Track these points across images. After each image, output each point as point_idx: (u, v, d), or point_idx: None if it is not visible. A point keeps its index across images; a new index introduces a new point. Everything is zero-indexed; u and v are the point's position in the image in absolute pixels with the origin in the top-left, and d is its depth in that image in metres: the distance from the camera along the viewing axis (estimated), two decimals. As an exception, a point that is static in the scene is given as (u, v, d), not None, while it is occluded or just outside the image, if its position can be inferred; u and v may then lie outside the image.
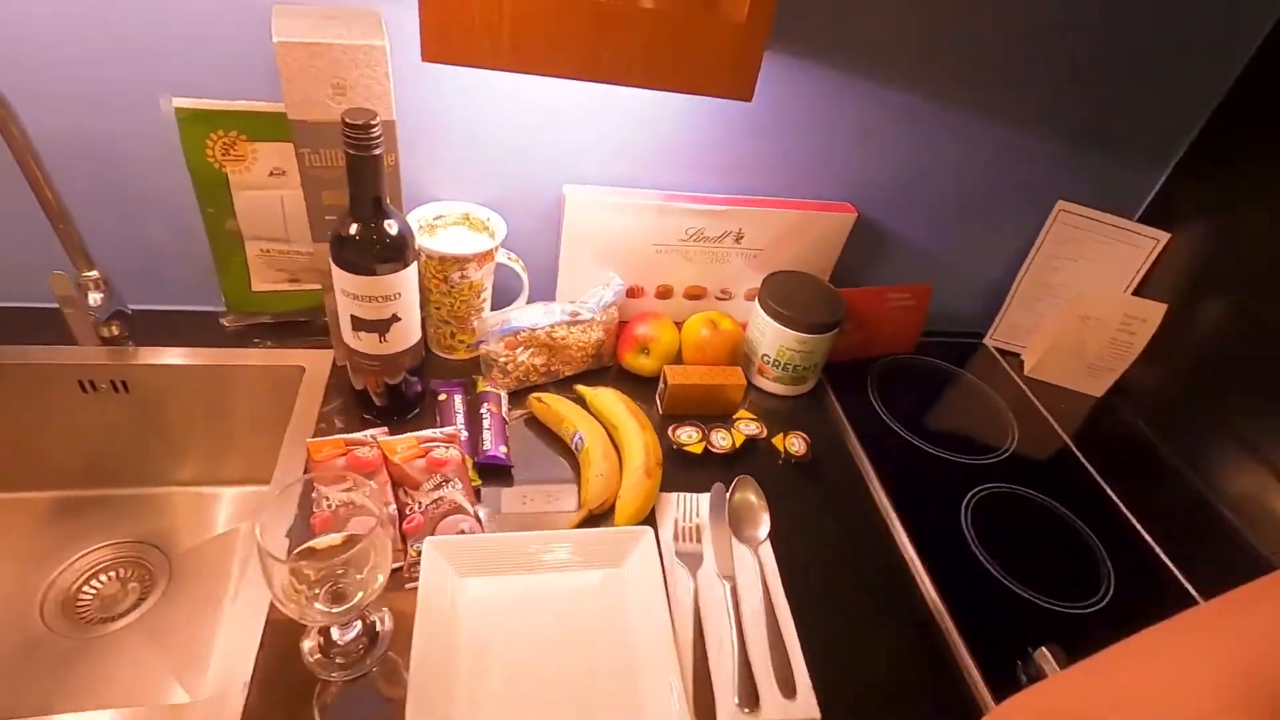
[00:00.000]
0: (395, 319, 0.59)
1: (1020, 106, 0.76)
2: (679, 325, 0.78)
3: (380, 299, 0.57)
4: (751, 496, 0.65)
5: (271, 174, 0.65)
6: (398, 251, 0.56)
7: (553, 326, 0.71)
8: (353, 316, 0.58)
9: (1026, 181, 0.83)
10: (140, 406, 0.70)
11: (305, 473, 0.59)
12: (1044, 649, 0.54)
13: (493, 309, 0.74)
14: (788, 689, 0.51)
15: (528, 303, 0.75)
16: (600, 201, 0.72)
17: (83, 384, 0.68)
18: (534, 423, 0.70)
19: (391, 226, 0.55)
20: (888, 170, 0.79)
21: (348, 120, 0.49)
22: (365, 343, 0.60)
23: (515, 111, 0.67)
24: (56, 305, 0.64)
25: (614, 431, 0.67)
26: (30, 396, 0.68)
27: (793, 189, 0.78)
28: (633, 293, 0.80)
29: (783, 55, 0.68)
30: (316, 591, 0.45)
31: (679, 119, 0.71)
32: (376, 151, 0.51)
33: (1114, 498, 0.74)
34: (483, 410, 0.67)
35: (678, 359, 0.77)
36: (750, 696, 0.51)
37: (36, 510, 0.72)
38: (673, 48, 0.51)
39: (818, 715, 0.50)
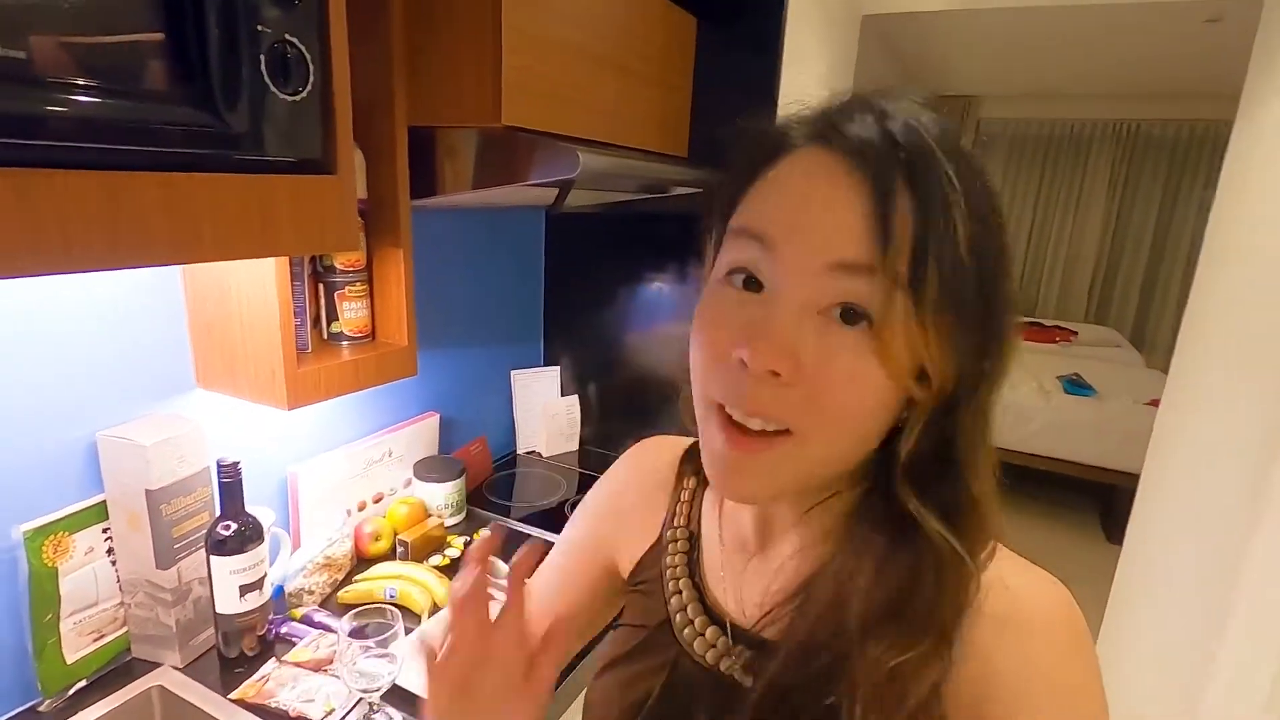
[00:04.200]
0: (262, 577, 0.91)
1: (481, 333, 1.53)
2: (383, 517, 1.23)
3: (256, 565, 0.89)
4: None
5: (86, 553, 0.85)
6: (259, 529, 0.90)
7: (323, 556, 1.08)
8: (240, 586, 0.88)
9: (494, 369, 1.60)
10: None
11: None
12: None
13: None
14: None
15: (291, 553, 1.09)
16: (319, 469, 1.14)
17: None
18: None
19: (250, 518, 0.90)
20: (444, 388, 1.43)
21: (222, 464, 0.86)
22: (250, 601, 0.89)
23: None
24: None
25: (398, 579, 1.10)
26: None
27: (397, 417, 1.34)
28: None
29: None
30: None
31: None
32: (239, 479, 0.87)
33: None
34: (317, 620, 1.00)
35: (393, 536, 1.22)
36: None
37: None
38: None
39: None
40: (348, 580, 1.11)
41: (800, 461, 0.40)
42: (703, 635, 0.50)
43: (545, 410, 1.68)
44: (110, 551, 0.88)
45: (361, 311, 1.03)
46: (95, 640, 0.88)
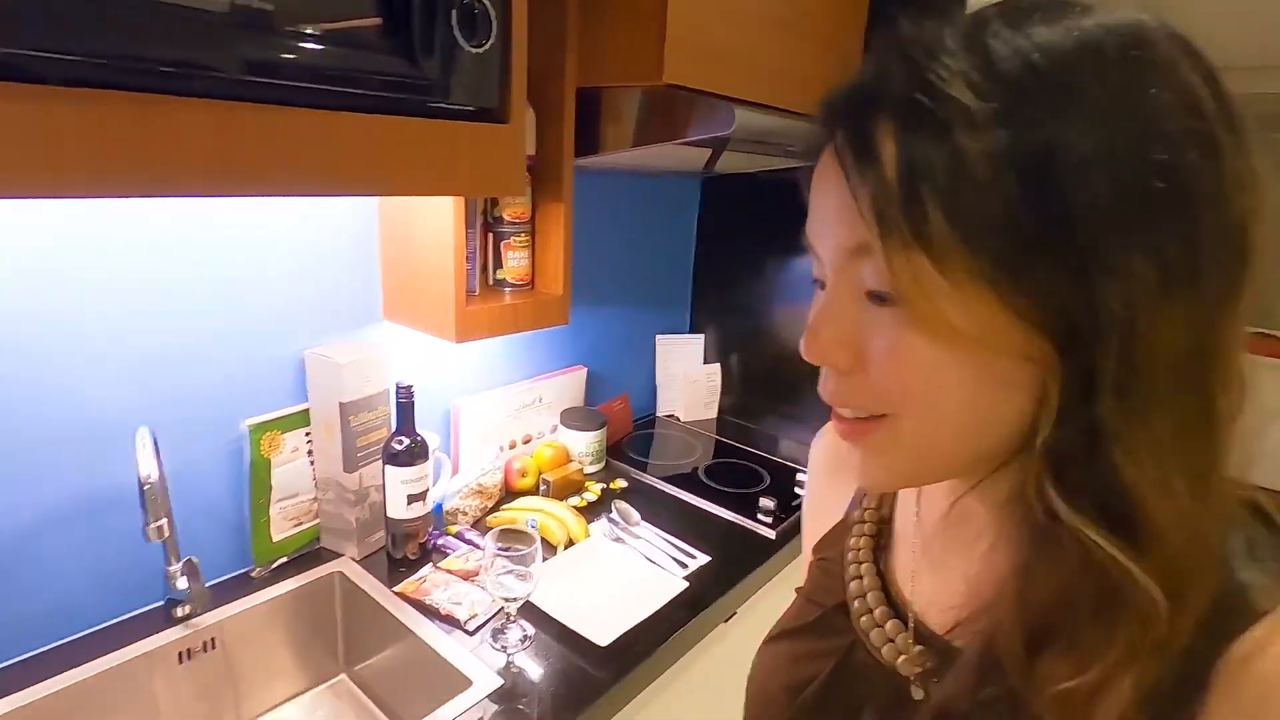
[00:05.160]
0: (425, 490, 1.02)
1: (631, 294, 1.59)
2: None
3: (421, 478, 1.01)
4: (621, 505, 1.24)
5: (292, 451, 1.01)
6: (426, 449, 1.02)
7: (477, 483, 1.19)
8: (408, 495, 1.00)
9: (641, 331, 1.66)
10: (226, 656, 0.92)
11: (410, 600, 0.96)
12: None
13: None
14: (694, 556, 1.11)
15: (450, 476, 1.21)
16: (479, 405, 1.25)
17: (181, 655, 0.88)
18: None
19: (419, 437, 1.01)
20: (592, 344, 1.51)
21: (400, 385, 0.97)
22: (414, 510, 1.01)
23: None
24: (149, 607, 0.86)
25: (539, 512, 1.18)
26: (139, 689, 0.84)
27: (550, 366, 1.43)
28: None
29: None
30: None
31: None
32: (412, 400, 0.99)
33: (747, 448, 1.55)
34: (468, 537, 1.11)
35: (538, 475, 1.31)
36: (684, 564, 1.09)
37: None
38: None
39: (710, 556, 1.11)
40: (496, 508, 1.22)
41: (900, 444, 0.37)
42: (881, 627, 0.46)
43: (686, 376, 1.71)
44: (310, 453, 1.04)
45: (523, 261, 1.11)
46: (295, 526, 1.04)
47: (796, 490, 1.36)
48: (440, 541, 1.10)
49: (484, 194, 0.83)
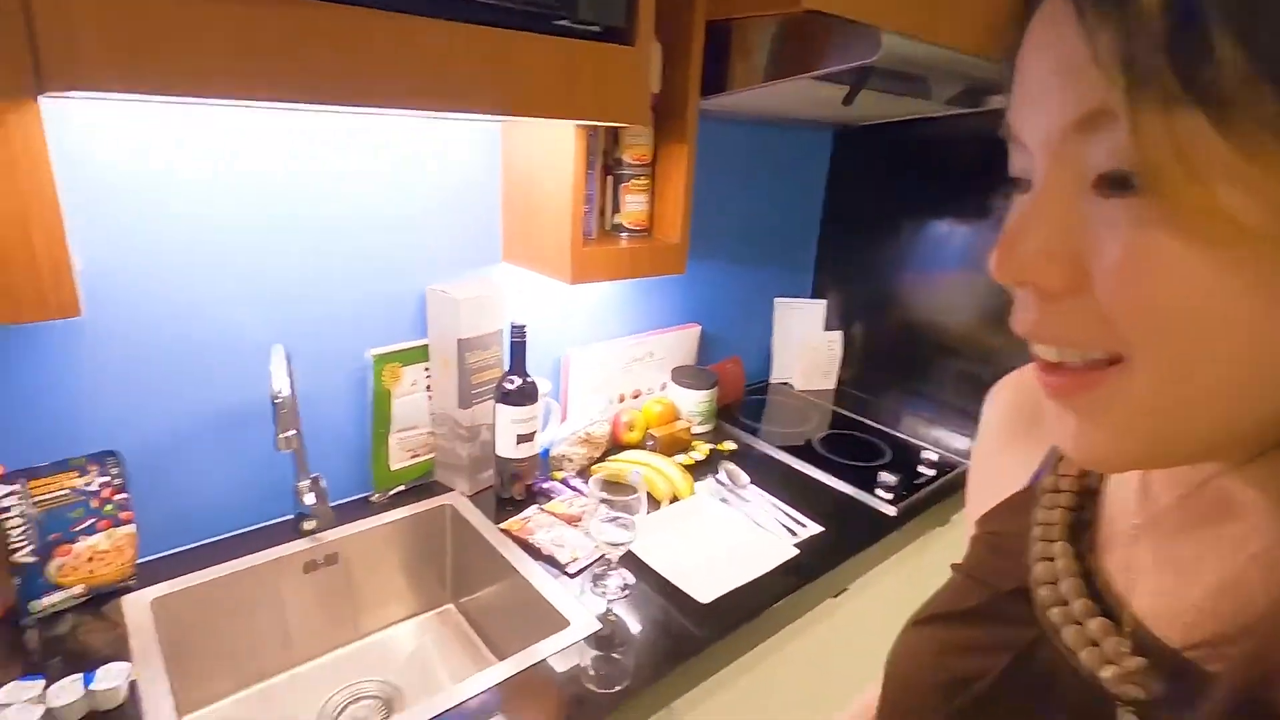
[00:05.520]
0: (534, 431, 1.03)
1: (750, 252, 1.52)
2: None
3: (531, 419, 1.01)
4: (730, 466, 1.19)
5: (411, 384, 1.04)
6: (536, 390, 1.02)
7: (584, 432, 1.18)
8: (517, 435, 1.00)
9: (758, 292, 1.59)
10: (346, 572, 0.97)
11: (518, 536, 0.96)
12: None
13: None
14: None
15: (559, 423, 1.21)
16: (589, 356, 1.25)
17: (306, 565, 0.93)
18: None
19: (529, 379, 1.01)
20: (706, 302, 1.46)
21: (514, 325, 0.97)
22: (522, 450, 1.02)
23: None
24: (280, 519, 0.92)
25: (645, 466, 1.16)
26: (269, 590, 0.91)
27: (663, 322, 1.40)
28: (601, 406, 1.31)
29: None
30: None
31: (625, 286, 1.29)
32: (525, 340, 0.99)
33: (869, 422, 1.45)
34: (572, 484, 1.11)
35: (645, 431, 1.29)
36: (793, 531, 1.03)
37: (295, 684, 0.91)
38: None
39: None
40: (602, 459, 1.21)
41: (1138, 402, 0.28)
42: (1080, 624, 0.36)
43: (805, 342, 1.62)
44: (427, 388, 1.07)
45: (642, 206, 1.07)
46: (411, 457, 1.08)
47: (921, 470, 1.26)
48: (546, 485, 1.10)
49: (607, 119, 0.80)
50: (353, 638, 1.00)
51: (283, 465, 0.94)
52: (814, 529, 1.05)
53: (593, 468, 1.16)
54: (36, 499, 0.77)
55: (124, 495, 0.83)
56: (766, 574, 0.92)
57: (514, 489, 1.05)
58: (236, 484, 0.94)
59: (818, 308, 1.65)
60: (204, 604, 0.86)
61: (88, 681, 0.67)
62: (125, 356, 0.82)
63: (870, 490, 1.17)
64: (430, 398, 1.07)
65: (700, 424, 1.35)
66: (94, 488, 0.81)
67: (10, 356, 0.75)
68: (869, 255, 1.60)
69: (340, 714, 0.89)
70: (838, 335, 1.64)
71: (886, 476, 1.18)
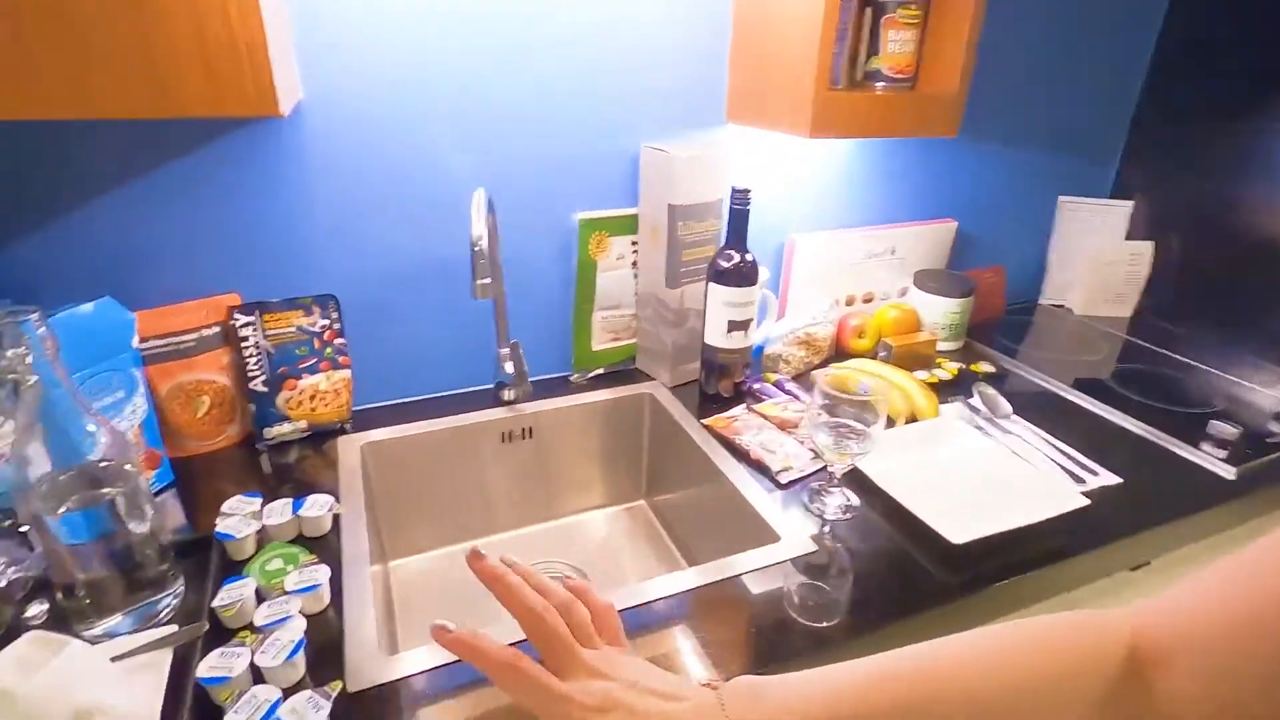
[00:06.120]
0: (749, 320, 0.88)
1: (1029, 133, 1.19)
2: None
3: (746, 304, 0.86)
4: (987, 390, 0.95)
5: (617, 259, 0.95)
6: (756, 272, 0.86)
7: (804, 332, 1.01)
8: (729, 321, 0.87)
9: (1035, 188, 1.25)
10: (540, 448, 0.93)
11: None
12: (1217, 416, 0.85)
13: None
14: (1095, 470, 0.79)
15: (776, 319, 1.05)
16: (817, 245, 1.06)
17: (503, 435, 0.90)
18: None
19: (749, 256, 0.86)
20: (966, 194, 1.18)
21: (736, 189, 0.82)
22: (734, 340, 0.88)
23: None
24: (482, 387, 0.89)
25: (877, 377, 0.96)
26: (469, 453, 0.89)
27: (909, 213, 1.16)
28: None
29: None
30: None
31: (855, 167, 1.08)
32: (748, 208, 0.83)
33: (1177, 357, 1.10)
34: (788, 388, 0.95)
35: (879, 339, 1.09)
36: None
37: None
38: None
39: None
40: (824, 365, 1.03)
41: None
42: None
43: (1097, 256, 1.26)
44: (634, 264, 0.96)
45: (908, 46, 0.84)
46: (613, 340, 1.00)
47: (1273, 427, 0.91)
48: (756, 386, 0.96)
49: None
50: (544, 517, 0.96)
51: (485, 329, 0.91)
52: (1109, 479, 0.80)
53: (812, 374, 0.99)
54: (269, 332, 0.80)
55: (341, 340, 0.84)
56: (1043, 522, 0.70)
57: (721, 385, 0.93)
58: (441, 343, 0.92)
59: (1120, 211, 1.27)
60: (409, 455, 0.86)
61: (296, 507, 0.67)
62: (341, 191, 0.80)
63: (1194, 444, 0.86)
64: (636, 276, 0.97)
65: (948, 339, 1.11)
66: (317, 329, 0.82)
67: (246, 188, 0.77)
68: (1208, 147, 1.17)
69: (527, 589, 0.86)
70: (1146, 247, 1.25)
71: (1222, 427, 0.87)
